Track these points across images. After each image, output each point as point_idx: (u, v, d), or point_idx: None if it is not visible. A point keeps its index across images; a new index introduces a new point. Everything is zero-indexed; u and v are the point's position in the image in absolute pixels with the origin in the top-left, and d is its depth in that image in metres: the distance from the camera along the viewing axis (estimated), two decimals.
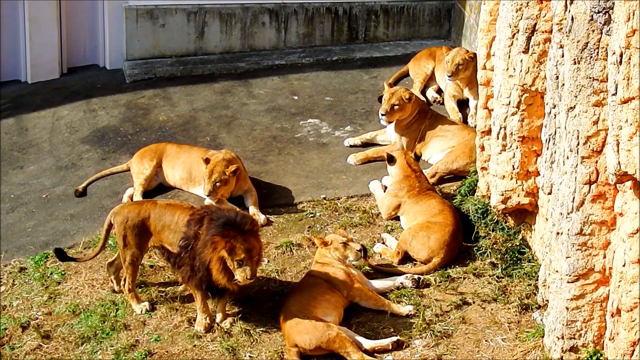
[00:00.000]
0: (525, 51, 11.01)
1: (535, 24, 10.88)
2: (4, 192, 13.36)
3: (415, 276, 11.61)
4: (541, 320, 10.90)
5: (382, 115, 13.45)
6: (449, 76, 13.91)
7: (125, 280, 11.20)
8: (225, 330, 10.93)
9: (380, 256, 12.03)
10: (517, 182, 11.57)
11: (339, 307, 11.16)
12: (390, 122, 13.52)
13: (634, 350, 9.43)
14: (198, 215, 10.69)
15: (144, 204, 11.21)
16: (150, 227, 10.99)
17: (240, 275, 10.43)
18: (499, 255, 11.81)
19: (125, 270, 11.14)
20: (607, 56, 9.18)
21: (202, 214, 10.67)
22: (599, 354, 10.08)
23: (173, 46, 15.71)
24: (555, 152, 10.32)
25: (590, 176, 9.64)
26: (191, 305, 11.45)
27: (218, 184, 12.60)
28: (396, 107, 13.42)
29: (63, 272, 12.01)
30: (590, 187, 9.67)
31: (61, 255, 11.45)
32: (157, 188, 13.19)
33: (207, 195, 12.64)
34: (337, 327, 10.85)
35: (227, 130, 14.34)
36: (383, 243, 12.21)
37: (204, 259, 10.49)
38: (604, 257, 9.83)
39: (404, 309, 11.20)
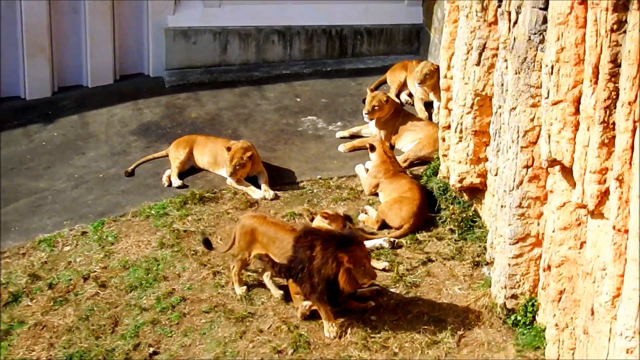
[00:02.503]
0: (478, 64, 10.97)
1: (485, 42, 10.84)
2: (70, 173, 13.32)
3: (391, 239, 11.62)
4: (489, 274, 10.88)
5: (365, 114, 13.44)
6: (419, 83, 13.87)
7: (233, 267, 10.87)
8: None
9: (364, 224, 12.01)
10: (470, 166, 11.55)
11: None
12: (371, 120, 13.49)
13: (560, 297, 9.44)
14: (307, 242, 10.10)
15: (256, 217, 10.89)
16: (258, 237, 10.65)
17: (366, 279, 10.04)
18: (456, 223, 11.79)
19: (235, 262, 10.84)
20: (541, 68, 9.17)
21: (311, 240, 10.08)
22: (533, 300, 10.09)
23: (202, 59, 15.64)
24: (500, 142, 10.30)
25: (527, 162, 9.64)
26: (215, 261, 11.46)
27: (237, 167, 12.58)
28: (376, 107, 13.40)
29: (116, 236, 11.98)
30: (527, 170, 9.67)
31: (207, 244, 11.16)
32: (189, 170, 13.13)
33: (229, 176, 12.63)
34: None
35: (244, 125, 14.29)
36: (366, 213, 12.20)
37: (324, 274, 9.93)
38: (538, 224, 9.83)
39: (382, 264, 11.20)
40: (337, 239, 10.01)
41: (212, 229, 11.96)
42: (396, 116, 13.54)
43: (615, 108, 7.95)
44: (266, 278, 10.89)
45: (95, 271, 11.51)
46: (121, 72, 15.66)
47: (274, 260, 10.44)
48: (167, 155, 13.30)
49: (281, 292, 10.73)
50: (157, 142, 13.90)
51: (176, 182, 12.86)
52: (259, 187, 12.67)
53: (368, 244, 11.47)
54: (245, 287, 10.92)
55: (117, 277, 11.40)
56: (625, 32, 7.82)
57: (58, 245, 11.93)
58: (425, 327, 10.30)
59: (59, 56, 15.20)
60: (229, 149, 12.70)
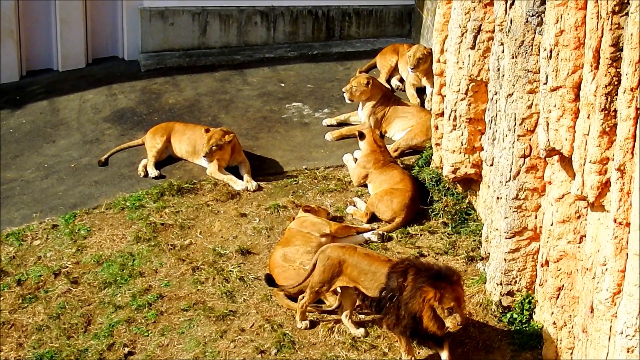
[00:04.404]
0: (472, 47, 11.04)
1: (481, 25, 10.91)
2: (39, 162, 13.35)
3: (380, 232, 11.69)
4: (484, 269, 10.97)
5: (344, 92, 13.56)
6: (412, 68, 13.94)
7: (304, 297, 10.44)
8: None
9: (352, 216, 12.08)
10: (464, 156, 11.62)
11: None
12: (351, 100, 13.57)
13: (559, 294, 9.53)
14: (400, 268, 9.74)
15: (345, 248, 10.26)
16: (345, 270, 10.10)
17: (452, 323, 9.40)
18: (449, 216, 11.87)
19: (308, 292, 10.37)
20: (539, 52, 9.25)
21: (405, 267, 9.71)
22: (530, 297, 10.18)
23: (180, 41, 15.68)
24: (496, 131, 10.36)
25: (524, 151, 9.72)
26: (195, 256, 11.52)
27: (214, 147, 12.61)
28: (354, 88, 13.50)
29: (89, 229, 12.02)
30: (524, 160, 9.75)
31: (270, 281, 10.69)
32: (166, 159, 13.17)
33: (204, 157, 12.68)
34: None
35: (225, 111, 14.34)
36: (354, 206, 12.27)
37: (411, 309, 9.53)
38: (536, 217, 9.92)
39: (369, 230, 11.47)
40: (430, 272, 9.54)
41: (191, 222, 12.01)
42: (386, 102, 13.61)
43: (616, 94, 8.03)
44: (345, 318, 10.48)
45: (67, 267, 11.55)
46: (94, 56, 15.69)
47: (364, 293, 10.07)
48: (143, 144, 13.34)
49: (362, 330, 10.37)
50: (133, 130, 13.93)
51: (153, 172, 12.90)
52: (240, 177, 12.72)
53: (357, 238, 11.58)
54: (307, 322, 10.53)
55: (90, 273, 11.44)
56: (627, 14, 7.89)
57: (27, 239, 11.97)
58: None
59: (27, 38, 15.22)
60: (207, 130, 12.77)
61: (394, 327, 9.83)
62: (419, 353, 10.08)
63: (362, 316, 10.55)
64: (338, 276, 10.15)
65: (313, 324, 10.53)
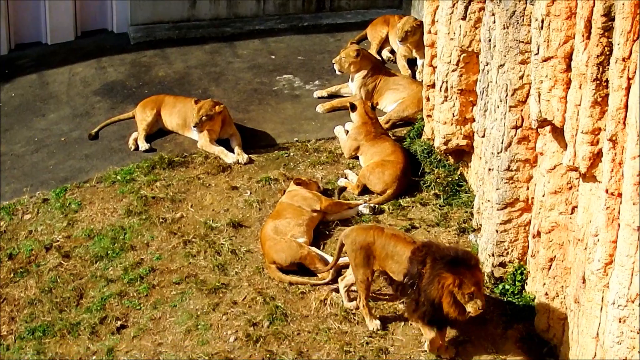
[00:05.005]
0: (464, 18, 11.03)
1: None
2: (29, 136, 13.32)
3: (372, 204, 11.71)
4: (476, 241, 11.01)
5: (334, 64, 13.56)
6: (400, 41, 13.94)
7: (359, 297, 10.22)
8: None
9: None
10: (456, 127, 11.63)
11: (310, 230, 11.25)
12: (341, 72, 13.58)
13: (551, 265, 9.57)
14: (420, 256, 9.57)
15: (371, 229, 10.07)
16: (375, 252, 9.93)
17: (472, 307, 9.29)
18: (441, 188, 11.88)
19: (358, 287, 10.19)
20: (530, 22, 9.24)
21: (424, 255, 9.56)
22: (522, 269, 10.22)
23: (170, 13, 15.60)
24: (488, 102, 10.36)
25: (516, 122, 9.73)
26: (186, 229, 11.53)
27: (204, 118, 12.60)
28: (344, 60, 13.50)
29: (79, 203, 12.03)
30: (516, 131, 9.76)
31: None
32: (157, 133, 13.16)
33: (194, 127, 12.68)
34: (308, 247, 10.95)
35: (215, 84, 14.31)
36: (346, 178, 12.28)
37: (429, 295, 9.42)
38: (527, 188, 9.94)
39: (359, 201, 11.59)
40: (448, 257, 9.40)
41: (182, 196, 12.02)
42: (377, 74, 13.60)
43: (608, 65, 8.04)
44: (342, 287, 10.42)
45: (58, 241, 11.56)
46: (83, 28, 15.62)
47: (391, 277, 10.02)
48: (134, 117, 13.32)
49: (354, 303, 10.33)
50: (123, 103, 13.90)
51: (143, 145, 12.90)
52: (231, 150, 12.72)
53: (349, 211, 11.60)
54: (379, 322, 10.18)
55: (81, 247, 11.46)
56: None
57: (18, 214, 11.97)
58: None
59: (15, 11, 15.15)
60: (197, 101, 12.76)
61: (413, 312, 9.76)
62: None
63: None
64: (371, 258, 9.97)
65: (304, 296, 10.57)
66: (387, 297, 10.47)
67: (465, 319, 9.50)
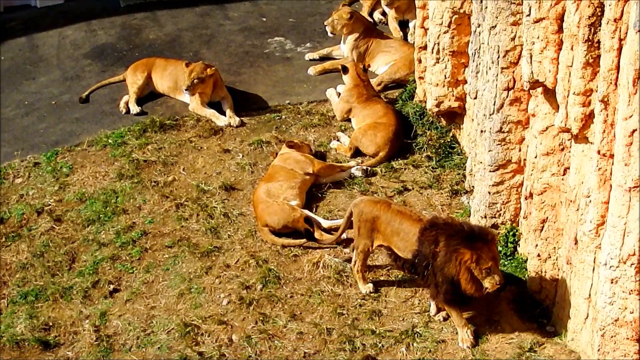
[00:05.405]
0: None
1: None
2: (20, 100, 13.29)
3: (364, 167, 11.72)
4: (468, 203, 11.04)
5: (326, 26, 13.54)
6: (386, 5, 13.95)
7: (356, 262, 10.23)
8: (443, 319, 9.88)
9: (336, 151, 12.11)
10: (448, 89, 11.62)
11: (302, 192, 11.27)
12: (333, 34, 13.55)
13: (543, 226, 9.61)
14: (431, 236, 9.48)
15: (379, 203, 10.03)
16: (380, 227, 9.92)
17: (490, 283, 9.22)
18: (433, 150, 11.90)
19: (356, 254, 10.21)
20: None
21: (435, 234, 9.45)
22: (514, 230, 10.26)
23: None
24: (479, 63, 10.35)
25: (508, 84, 9.73)
26: (178, 192, 11.55)
27: (196, 80, 12.59)
28: (336, 21, 13.47)
29: (71, 166, 12.02)
30: (508, 93, 9.77)
31: (309, 235, 10.63)
32: (148, 95, 13.13)
33: (185, 90, 12.66)
34: (301, 210, 10.98)
35: (206, 47, 14.27)
36: (338, 140, 12.29)
37: (447, 273, 9.33)
38: (519, 150, 9.96)
39: (352, 163, 11.66)
40: (463, 233, 9.30)
41: (174, 159, 12.02)
42: (369, 36, 13.57)
43: (600, 25, 8.03)
44: (354, 268, 10.32)
45: (50, 204, 11.57)
46: None
47: (397, 254, 9.95)
48: (124, 80, 13.29)
49: (370, 285, 10.25)
50: (113, 66, 13.86)
51: (134, 108, 12.88)
52: (223, 113, 12.71)
53: (341, 174, 11.61)
54: (372, 285, 10.31)
55: (73, 211, 11.47)
56: None
57: (9, 178, 11.97)
58: None
59: None
60: (188, 64, 12.74)
61: (436, 296, 9.67)
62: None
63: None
64: (375, 232, 9.96)
65: (297, 259, 10.60)
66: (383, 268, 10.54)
67: (483, 295, 9.42)
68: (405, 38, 13.96)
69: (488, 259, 9.19)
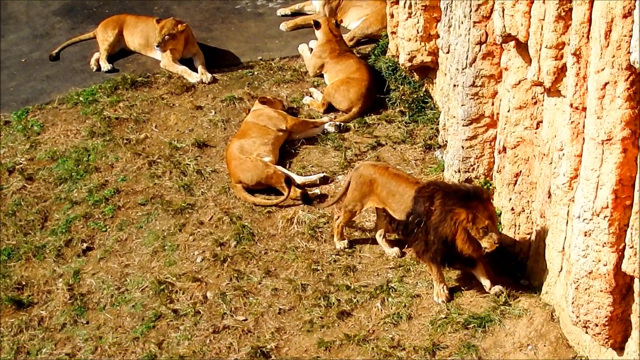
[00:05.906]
0: None
1: None
2: None
3: (337, 122, 11.72)
4: (441, 157, 11.06)
5: None
6: None
7: (339, 217, 10.25)
8: (497, 294, 9.51)
9: (309, 107, 12.09)
10: (421, 44, 11.60)
11: (276, 149, 11.26)
12: None
13: (516, 180, 9.64)
14: (427, 192, 9.42)
15: (377, 167, 10.04)
16: (376, 190, 9.88)
17: (488, 242, 9.16)
18: (406, 105, 11.89)
19: (343, 212, 10.17)
20: None
21: (432, 191, 9.39)
22: (488, 184, 10.28)
23: None
24: (452, 18, 10.32)
25: (480, 38, 9.72)
26: (150, 149, 11.50)
27: (167, 37, 12.53)
28: None
29: (42, 125, 11.96)
30: (480, 47, 9.76)
31: (307, 199, 10.71)
32: (119, 53, 13.05)
33: (157, 46, 12.60)
34: (274, 166, 10.97)
35: (177, 3, 14.17)
36: (311, 96, 12.26)
37: (441, 233, 9.25)
38: (492, 104, 9.97)
39: (325, 119, 11.68)
40: (460, 193, 9.23)
41: (146, 116, 11.97)
42: None
43: None
44: (379, 237, 10.33)
45: (21, 163, 11.52)
46: None
47: (391, 215, 9.91)
48: (95, 37, 13.20)
49: (396, 249, 10.23)
50: (84, 23, 13.76)
51: (105, 66, 12.81)
52: (195, 70, 12.65)
53: (314, 130, 11.60)
54: (346, 241, 10.35)
55: (44, 169, 11.42)
56: None
57: None
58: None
59: None
60: (158, 20, 12.67)
61: (423, 253, 9.60)
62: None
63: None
64: (369, 195, 9.95)
65: (271, 215, 10.61)
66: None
67: (482, 254, 9.40)
68: None
69: (484, 217, 9.14)
